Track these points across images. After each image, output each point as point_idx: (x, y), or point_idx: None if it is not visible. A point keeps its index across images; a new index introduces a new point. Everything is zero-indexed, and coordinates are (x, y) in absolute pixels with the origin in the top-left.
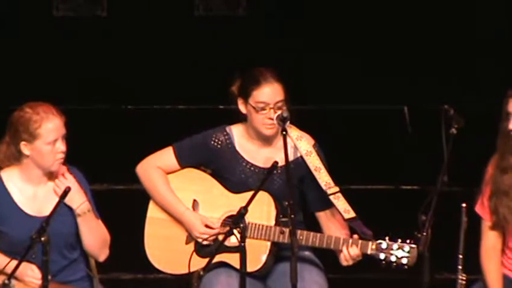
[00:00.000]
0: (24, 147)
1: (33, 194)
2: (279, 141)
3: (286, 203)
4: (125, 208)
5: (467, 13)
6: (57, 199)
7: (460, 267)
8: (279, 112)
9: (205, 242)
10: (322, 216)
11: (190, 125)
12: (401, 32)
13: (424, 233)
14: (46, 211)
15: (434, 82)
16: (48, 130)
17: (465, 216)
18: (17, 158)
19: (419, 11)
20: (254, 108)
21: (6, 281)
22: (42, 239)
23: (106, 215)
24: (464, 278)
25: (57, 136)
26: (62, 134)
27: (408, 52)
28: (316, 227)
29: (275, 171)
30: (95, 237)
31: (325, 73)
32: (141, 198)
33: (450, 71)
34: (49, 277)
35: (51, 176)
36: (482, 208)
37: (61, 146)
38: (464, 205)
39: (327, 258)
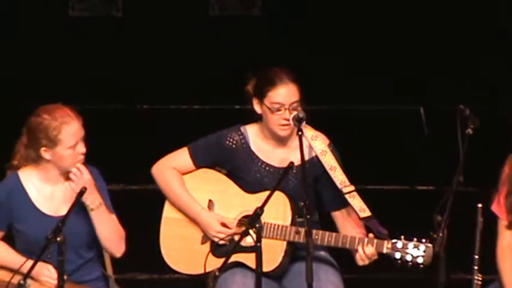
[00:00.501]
0: (45, 153)
1: (51, 194)
2: (294, 141)
3: (302, 204)
4: (140, 208)
5: (482, 10)
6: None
7: (475, 267)
8: (295, 113)
9: (221, 242)
10: (338, 216)
11: (205, 125)
12: (417, 31)
13: (440, 234)
14: (63, 211)
15: (449, 82)
16: (69, 135)
17: (481, 216)
18: (35, 160)
19: (434, 9)
20: (269, 108)
21: (22, 281)
22: (58, 239)
23: (122, 214)
24: (480, 278)
25: (77, 139)
26: (81, 136)
27: (423, 52)
28: (331, 226)
29: (290, 171)
30: (109, 231)
31: (341, 73)
32: (157, 198)
33: (465, 71)
34: (65, 277)
35: (68, 176)
36: (498, 207)
37: (81, 148)
38: (480, 205)
39: (342, 258)
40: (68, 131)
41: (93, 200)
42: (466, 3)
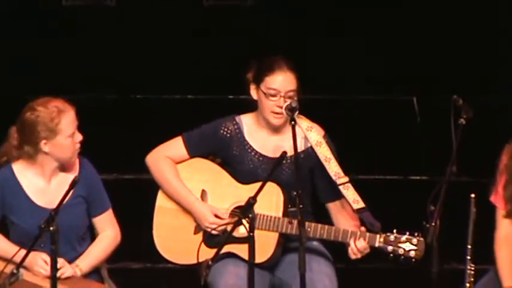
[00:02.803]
0: (45, 146)
1: (45, 186)
2: (288, 130)
3: (295, 193)
4: (134, 197)
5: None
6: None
7: (468, 257)
8: (288, 102)
9: (214, 232)
10: (332, 207)
11: (199, 115)
12: (411, 21)
13: (433, 224)
14: (57, 203)
15: (443, 72)
16: (68, 124)
17: (474, 206)
18: (31, 156)
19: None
20: (265, 94)
21: (15, 270)
22: (51, 228)
23: (115, 204)
24: (472, 268)
25: (75, 127)
26: (77, 125)
27: (417, 41)
28: (325, 218)
29: (284, 162)
30: (106, 257)
31: (334, 63)
32: (150, 188)
33: (459, 61)
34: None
35: (62, 167)
36: (496, 197)
37: (79, 136)
38: (473, 195)
39: (335, 248)
40: (67, 120)
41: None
42: None
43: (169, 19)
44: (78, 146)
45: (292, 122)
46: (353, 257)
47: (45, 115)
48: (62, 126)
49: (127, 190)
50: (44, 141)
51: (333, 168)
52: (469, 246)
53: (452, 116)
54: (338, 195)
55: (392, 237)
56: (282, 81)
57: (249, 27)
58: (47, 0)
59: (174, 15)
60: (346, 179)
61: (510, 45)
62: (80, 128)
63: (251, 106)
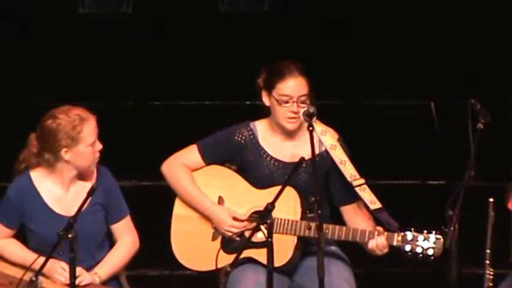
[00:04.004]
0: (65, 154)
1: (63, 194)
2: (303, 134)
3: (313, 199)
4: (152, 204)
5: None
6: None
7: (487, 262)
8: (306, 108)
9: (233, 236)
10: (348, 210)
11: (216, 121)
12: (427, 26)
13: (452, 228)
14: (75, 210)
15: (461, 76)
16: (89, 132)
17: (492, 210)
18: (51, 164)
19: (445, 3)
20: (277, 101)
21: (34, 278)
22: (70, 235)
23: (134, 211)
24: (491, 273)
25: (95, 136)
26: (97, 133)
27: (434, 47)
28: (342, 221)
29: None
30: (128, 261)
31: (350, 68)
32: (168, 195)
33: (477, 65)
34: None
35: (81, 175)
36: None
37: (99, 145)
38: (491, 200)
39: (353, 252)
40: (88, 128)
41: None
42: None
43: (185, 25)
44: (98, 155)
45: (310, 128)
46: (376, 252)
47: (66, 123)
48: (84, 135)
49: (146, 197)
50: (64, 150)
51: (349, 170)
52: (488, 251)
53: (470, 120)
54: (353, 198)
55: (410, 236)
56: (293, 87)
57: (266, 33)
58: (63, 8)
59: (190, 21)
60: (362, 180)
61: None
62: (99, 135)
63: (266, 112)
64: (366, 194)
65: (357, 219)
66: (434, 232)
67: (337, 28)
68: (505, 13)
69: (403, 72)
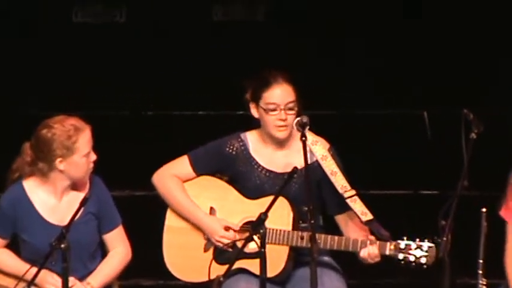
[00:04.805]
0: (60, 164)
1: (56, 204)
2: (294, 144)
3: (306, 209)
4: (145, 214)
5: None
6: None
7: (480, 272)
8: (299, 118)
9: (225, 247)
10: (342, 219)
11: (210, 131)
12: (419, 34)
13: (444, 238)
14: (68, 220)
15: (454, 86)
16: (84, 143)
17: (485, 220)
18: (44, 173)
19: (438, 10)
20: (265, 110)
21: None
22: (62, 245)
23: (127, 221)
24: (484, 283)
25: (90, 147)
26: (92, 144)
27: (426, 55)
28: (335, 230)
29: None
30: (120, 271)
31: (343, 78)
32: (162, 205)
33: (470, 74)
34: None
35: (74, 185)
36: (507, 211)
37: (93, 156)
38: (484, 210)
39: (346, 263)
40: (84, 139)
41: None
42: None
43: (179, 35)
44: (92, 165)
45: (303, 138)
46: (368, 261)
47: (61, 133)
48: (79, 145)
49: (139, 206)
50: (59, 159)
51: (340, 181)
52: (481, 261)
53: (463, 130)
54: (346, 207)
55: (402, 245)
56: (279, 95)
57: (259, 43)
58: (57, 17)
59: (184, 31)
60: (353, 192)
61: None
62: (93, 145)
63: (257, 123)
64: (357, 206)
65: (351, 228)
66: (427, 240)
67: (331, 38)
68: (498, 22)
69: (396, 81)
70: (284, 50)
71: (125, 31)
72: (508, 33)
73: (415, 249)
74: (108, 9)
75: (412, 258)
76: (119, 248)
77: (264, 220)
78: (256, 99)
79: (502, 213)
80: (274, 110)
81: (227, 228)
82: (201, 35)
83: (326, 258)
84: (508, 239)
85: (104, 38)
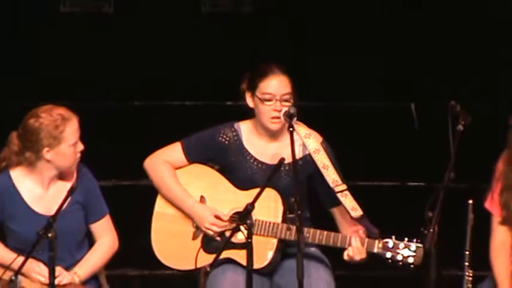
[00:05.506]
0: (47, 153)
1: (43, 193)
2: (287, 137)
3: (293, 199)
4: (132, 204)
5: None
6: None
7: (466, 263)
8: (286, 108)
9: (214, 235)
10: (336, 213)
11: (197, 121)
12: (408, 27)
13: (431, 230)
14: (55, 209)
15: (441, 78)
16: (72, 132)
17: (472, 212)
18: (31, 163)
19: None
20: (260, 99)
21: (13, 277)
22: (49, 235)
23: (114, 210)
24: (470, 275)
25: (78, 136)
26: (79, 134)
27: (414, 48)
28: (323, 223)
29: (283, 168)
30: (107, 261)
31: (331, 70)
32: (148, 194)
33: (457, 67)
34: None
35: (61, 175)
36: (492, 204)
37: (80, 146)
38: (470, 202)
39: (334, 255)
40: (71, 128)
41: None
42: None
43: (167, 26)
44: (79, 155)
45: (291, 129)
46: (346, 258)
47: (49, 122)
48: (66, 135)
49: (125, 196)
50: (46, 149)
51: (331, 175)
52: (467, 253)
53: (450, 122)
54: (339, 202)
55: (391, 244)
56: (276, 85)
57: (247, 34)
58: (45, 6)
59: (172, 22)
60: (344, 186)
61: (510, 51)
62: (80, 135)
63: (250, 113)
64: (348, 201)
65: (345, 222)
66: (415, 240)
67: (319, 30)
68: (485, 15)
69: (383, 74)
70: (272, 42)
71: (113, 21)
72: (505, 27)
73: (403, 248)
74: (96, 0)
75: (399, 258)
76: (105, 238)
77: (251, 210)
78: (253, 88)
79: (487, 205)
80: (269, 100)
81: (217, 217)
82: (189, 26)
83: (313, 250)
84: (492, 231)
85: (92, 29)
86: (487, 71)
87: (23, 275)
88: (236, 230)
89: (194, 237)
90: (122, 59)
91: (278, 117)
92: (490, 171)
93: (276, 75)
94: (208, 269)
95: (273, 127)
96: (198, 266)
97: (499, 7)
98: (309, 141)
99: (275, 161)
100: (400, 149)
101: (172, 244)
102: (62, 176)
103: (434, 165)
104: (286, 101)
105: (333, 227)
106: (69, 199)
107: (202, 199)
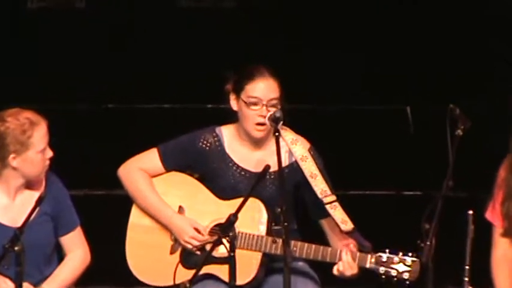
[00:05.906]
0: (13, 160)
1: (9, 203)
2: (272, 144)
3: (279, 210)
4: (105, 215)
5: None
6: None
7: (466, 279)
8: (271, 112)
9: (193, 249)
10: (325, 224)
11: (175, 126)
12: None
13: (428, 243)
14: (22, 221)
15: (439, 81)
16: (40, 137)
17: (472, 224)
18: None
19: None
20: (245, 103)
21: None
22: (16, 248)
23: (86, 222)
24: None
25: (46, 142)
26: (48, 139)
27: (411, 49)
28: (311, 236)
29: (268, 176)
30: (78, 276)
31: (321, 70)
32: (123, 204)
33: (456, 70)
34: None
35: (29, 184)
36: (493, 214)
37: (49, 152)
38: (470, 212)
39: (322, 269)
40: (39, 133)
41: None
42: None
43: (142, 21)
44: (47, 162)
45: (276, 134)
46: (336, 273)
47: (15, 127)
48: (34, 140)
49: (98, 207)
50: (12, 155)
51: (319, 185)
52: (467, 267)
53: (448, 126)
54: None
55: (384, 258)
56: (263, 89)
57: (228, 30)
58: (12, 2)
59: (148, 17)
60: (334, 197)
61: (509, 55)
62: (49, 141)
63: (232, 116)
64: (337, 213)
65: (334, 234)
66: (410, 254)
67: (308, 27)
68: (481, 19)
69: (379, 76)
70: (255, 40)
71: (84, 17)
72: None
73: (398, 263)
74: None
75: (393, 273)
76: (76, 252)
77: (234, 222)
78: (238, 90)
79: (488, 215)
80: (255, 104)
81: (197, 230)
82: (165, 22)
83: (300, 264)
84: (494, 243)
85: (62, 25)
86: (484, 70)
87: None
88: (218, 243)
89: (172, 251)
90: (94, 59)
91: (263, 124)
92: (491, 179)
93: (264, 78)
94: (187, 285)
95: (257, 134)
96: (177, 282)
97: (496, 3)
98: (295, 148)
99: (259, 169)
100: (395, 155)
101: (149, 258)
102: (29, 185)
103: (432, 173)
104: (273, 106)
105: (322, 239)
106: (37, 210)
107: (180, 209)
